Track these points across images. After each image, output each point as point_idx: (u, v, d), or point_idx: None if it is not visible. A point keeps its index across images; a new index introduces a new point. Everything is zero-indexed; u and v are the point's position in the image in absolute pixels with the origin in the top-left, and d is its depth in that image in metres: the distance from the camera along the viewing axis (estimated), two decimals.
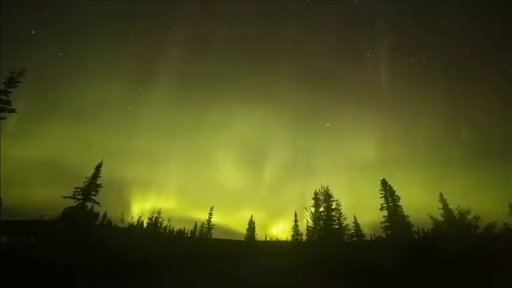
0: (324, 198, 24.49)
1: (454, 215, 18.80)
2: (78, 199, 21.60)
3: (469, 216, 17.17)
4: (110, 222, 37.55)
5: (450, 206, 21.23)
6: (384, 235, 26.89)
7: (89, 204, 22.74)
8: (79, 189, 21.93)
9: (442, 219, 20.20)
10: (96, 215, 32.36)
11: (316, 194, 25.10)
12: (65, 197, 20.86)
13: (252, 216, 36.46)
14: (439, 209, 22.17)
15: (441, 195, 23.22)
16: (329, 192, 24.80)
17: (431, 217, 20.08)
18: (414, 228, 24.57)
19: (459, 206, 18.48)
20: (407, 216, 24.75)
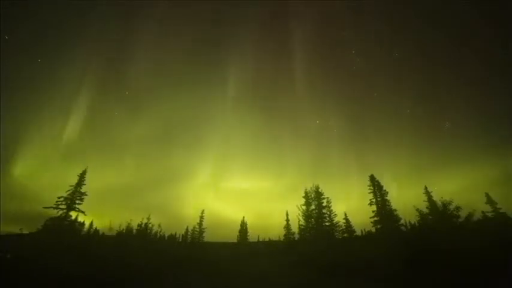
0: (314, 197, 24.77)
1: (438, 206, 19.63)
2: (61, 209, 20.71)
3: (451, 207, 17.99)
4: (97, 231, 36.20)
5: (434, 198, 22.17)
6: (373, 230, 27.61)
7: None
8: (62, 199, 21.03)
9: (427, 211, 21.03)
10: (82, 224, 31.14)
11: (306, 192, 25.34)
12: (46, 208, 19.92)
13: (243, 217, 36.38)
14: (424, 201, 23.12)
15: (426, 188, 24.19)
16: (319, 190, 25.13)
17: (417, 209, 20.83)
18: (402, 221, 25.41)
19: (442, 197, 19.33)
20: (395, 210, 25.54)
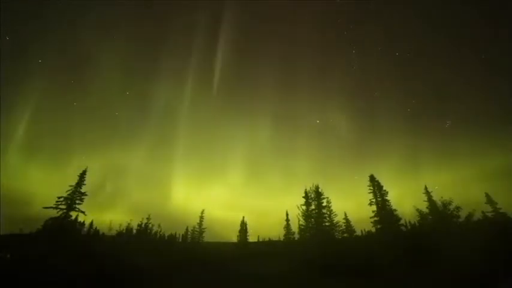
0: (314, 196, 24.70)
1: (438, 206, 19.61)
2: (61, 209, 20.67)
3: (451, 207, 17.98)
4: (97, 231, 36.18)
5: (434, 198, 22.15)
6: (373, 230, 27.58)
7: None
8: (62, 199, 20.99)
9: (427, 211, 21.02)
10: (82, 224, 31.13)
11: (306, 192, 25.27)
12: (46, 208, 19.85)
13: (243, 217, 36.30)
14: (424, 201, 23.10)
15: (426, 187, 24.16)
16: (319, 190, 25.06)
17: (417, 209, 20.82)
18: (402, 221, 25.36)
19: (442, 197, 19.34)
20: (395, 210, 25.48)
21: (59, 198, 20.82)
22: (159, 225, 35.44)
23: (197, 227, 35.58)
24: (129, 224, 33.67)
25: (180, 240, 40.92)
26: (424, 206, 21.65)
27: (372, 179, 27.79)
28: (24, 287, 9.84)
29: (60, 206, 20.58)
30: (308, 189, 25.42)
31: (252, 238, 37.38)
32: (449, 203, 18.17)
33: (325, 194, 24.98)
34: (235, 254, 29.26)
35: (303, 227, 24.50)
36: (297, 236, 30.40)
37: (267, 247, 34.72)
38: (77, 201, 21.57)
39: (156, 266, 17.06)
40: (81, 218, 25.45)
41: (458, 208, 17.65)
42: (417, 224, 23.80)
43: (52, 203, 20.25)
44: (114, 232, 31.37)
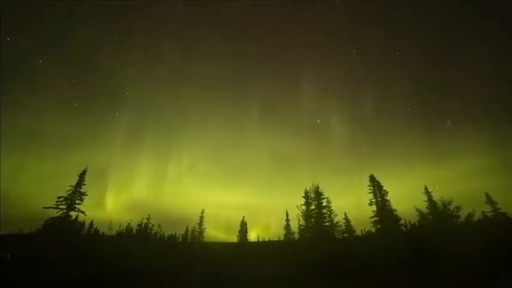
0: (314, 196, 24.68)
1: (438, 206, 19.59)
2: (61, 209, 20.66)
3: (451, 207, 17.97)
4: (97, 231, 36.17)
5: (434, 198, 22.14)
6: (373, 230, 27.56)
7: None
8: (62, 199, 20.98)
9: (427, 211, 21.00)
10: (82, 224, 31.14)
11: (306, 192, 25.26)
12: (46, 208, 19.83)
13: (243, 217, 36.28)
14: (424, 201, 23.07)
15: (426, 187, 24.14)
16: (319, 190, 25.05)
17: (417, 209, 20.81)
18: (402, 221, 25.33)
19: (442, 197, 19.33)
20: (395, 210, 25.46)
21: (59, 198, 20.81)
22: (159, 226, 35.39)
23: (197, 227, 35.59)
24: (129, 224, 33.63)
25: (180, 240, 40.90)
26: (424, 206, 21.62)
27: (372, 179, 27.78)
28: (24, 287, 9.84)
29: (60, 206, 20.57)
30: (308, 189, 25.42)
31: (251, 237, 37.38)
32: (449, 203, 18.15)
33: (325, 194, 25.00)
34: (235, 254, 29.24)
35: (303, 227, 24.49)
36: (297, 236, 30.38)
37: (267, 247, 34.69)
38: (77, 201, 21.56)
39: (156, 267, 17.05)
40: (81, 218, 25.47)
41: (458, 208, 17.62)
42: (417, 224, 23.77)
43: (52, 203, 20.22)
44: (114, 232, 31.33)
